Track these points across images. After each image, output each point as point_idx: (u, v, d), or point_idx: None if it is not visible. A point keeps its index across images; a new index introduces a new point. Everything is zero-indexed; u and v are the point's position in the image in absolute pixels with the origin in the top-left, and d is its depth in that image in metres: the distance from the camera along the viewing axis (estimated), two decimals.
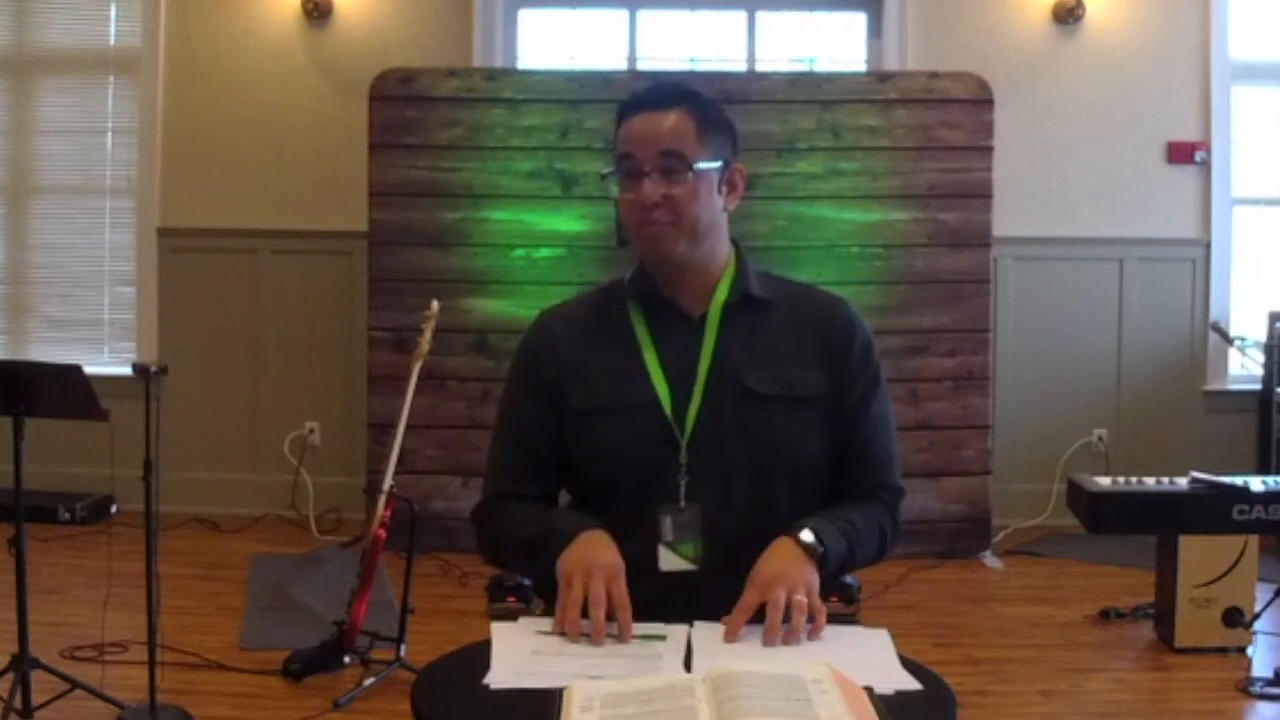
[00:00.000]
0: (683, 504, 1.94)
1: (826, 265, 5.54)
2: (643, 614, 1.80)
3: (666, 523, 1.95)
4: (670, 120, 1.96)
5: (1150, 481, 3.64)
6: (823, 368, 1.99)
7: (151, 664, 3.39)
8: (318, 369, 6.08)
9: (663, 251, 1.97)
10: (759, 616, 1.80)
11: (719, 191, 2.00)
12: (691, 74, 5.93)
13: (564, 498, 2.14)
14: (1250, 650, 4.17)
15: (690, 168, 1.94)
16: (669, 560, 1.95)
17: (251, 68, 6.06)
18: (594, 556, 1.83)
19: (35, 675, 3.38)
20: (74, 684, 3.47)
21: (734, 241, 2.08)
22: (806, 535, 1.88)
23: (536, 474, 2.06)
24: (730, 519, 1.95)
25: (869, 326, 2.07)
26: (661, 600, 1.88)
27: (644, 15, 6.25)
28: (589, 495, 2.04)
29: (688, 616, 1.84)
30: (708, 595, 1.88)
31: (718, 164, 1.99)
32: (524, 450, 2.06)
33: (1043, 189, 5.99)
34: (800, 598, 1.77)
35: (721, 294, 2.01)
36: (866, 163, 5.57)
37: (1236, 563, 4.11)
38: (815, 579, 1.85)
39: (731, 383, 1.96)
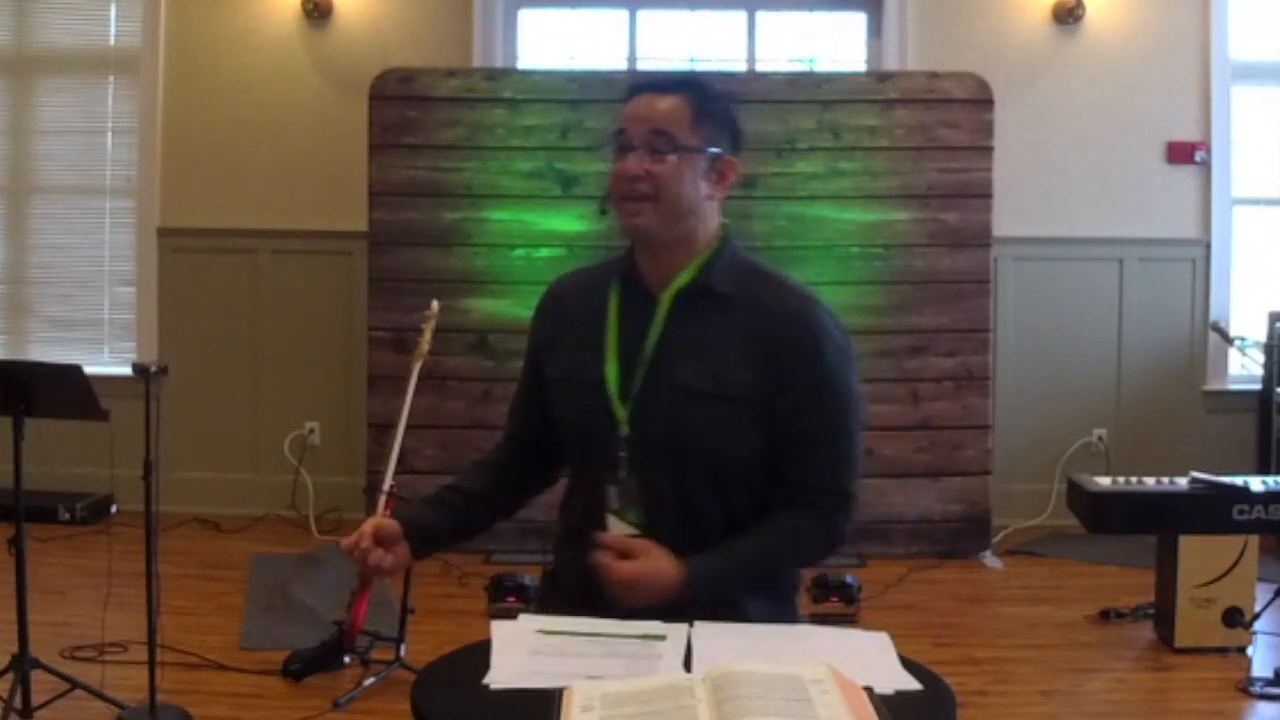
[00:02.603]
0: (624, 475, 2.02)
1: (826, 265, 5.54)
2: (595, 576, 1.93)
3: (612, 492, 2.03)
4: (667, 103, 2.01)
5: (1150, 481, 3.65)
6: (762, 368, 1.98)
7: (151, 664, 3.39)
8: (318, 369, 6.08)
9: (638, 225, 2.02)
10: (760, 617, 1.80)
11: (705, 178, 2.03)
12: (692, 74, 5.93)
13: None
14: (1250, 650, 4.17)
15: (675, 147, 1.99)
16: (616, 526, 2.02)
17: (251, 68, 6.06)
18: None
19: (35, 675, 3.38)
20: (74, 684, 3.47)
21: (724, 231, 2.09)
22: (688, 574, 1.92)
23: (525, 421, 2.21)
24: (660, 501, 2.02)
25: (839, 332, 2.04)
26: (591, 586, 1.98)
27: (644, 15, 6.25)
28: (564, 456, 2.18)
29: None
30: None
31: (707, 150, 2.02)
32: (519, 399, 2.24)
33: (1043, 189, 5.99)
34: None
35: (681, 279, 2.04)
36: (866, 163, 5.57)
37: (1236, 563, 4.11)
38: (664, 597, 1.91)
39: (667, 372, 2.01)
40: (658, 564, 1.92)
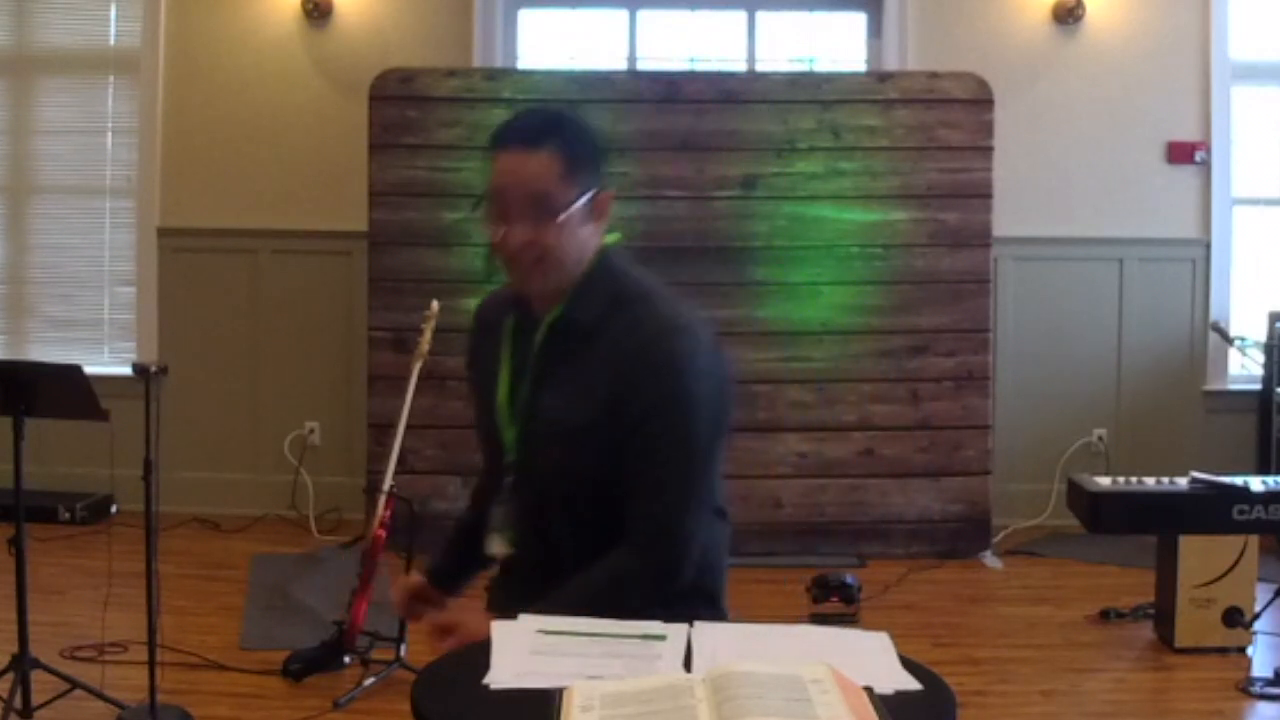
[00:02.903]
0: (505, 497, 2.09)
1: (826, 265, 5.54)
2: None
3: (496, 512, 2.10)
4: (538, 161, 1.94)
5: (1150, 481, 3.64)
6: (606, 402, 1.95)
7: (151, 664, 3.39)
8: (318, 369, 6.08)
9: (531, 289, 2.04)
10: (759, 617, 1.81)
11: (586, 222, 1.99)
12: (691, 74, 5.93)
13: None
14: (1250, 650, 4.17)
15: (555, 215, 1.94)
16: (495, 545, 2.12)
17: (251, 68, 6.06)
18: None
19: (35, 675, 3.38)
20: (74, 684, 3.48)
21: (601, 256, 2.03)
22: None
23: (483, 438, 2.20)
24: (525, 527, 2.09)
25: (691, 362, 1.95)
26: (499, 581, 2.16)
27: (644, 15, 6.25)
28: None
29: (507, 596, 2.06)
30: (519, 583, 2.08)
31: (585, 199, 1.97)
32: (475, 418, 2.23)
33: (1043, 189, 5.99)
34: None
35: (554, 311, 2.03)
36: (866, 163, 5.57)
37: (1236, 563, 4.11)
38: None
39: (537, 404, 2.03)
40: (472, 629, 1.89)
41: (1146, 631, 4.41)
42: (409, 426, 4.20)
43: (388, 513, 4.01)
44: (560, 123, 2.00)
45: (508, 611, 1.89)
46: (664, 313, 1.99)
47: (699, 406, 1.97)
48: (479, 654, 1.72)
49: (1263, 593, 4.20)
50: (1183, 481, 3.63)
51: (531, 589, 1.98)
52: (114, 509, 5.83)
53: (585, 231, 1.99)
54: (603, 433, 1.95)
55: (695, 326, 2.00)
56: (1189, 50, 5.99)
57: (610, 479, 1.97)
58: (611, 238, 2.08)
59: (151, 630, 3.40)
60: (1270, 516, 3.53)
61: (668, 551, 1.98)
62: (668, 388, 1.94)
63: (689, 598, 2.03)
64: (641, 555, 1.97)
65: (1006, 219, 5.73)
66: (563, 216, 1.94)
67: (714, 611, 2.10)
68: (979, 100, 5.59)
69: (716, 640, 1.78)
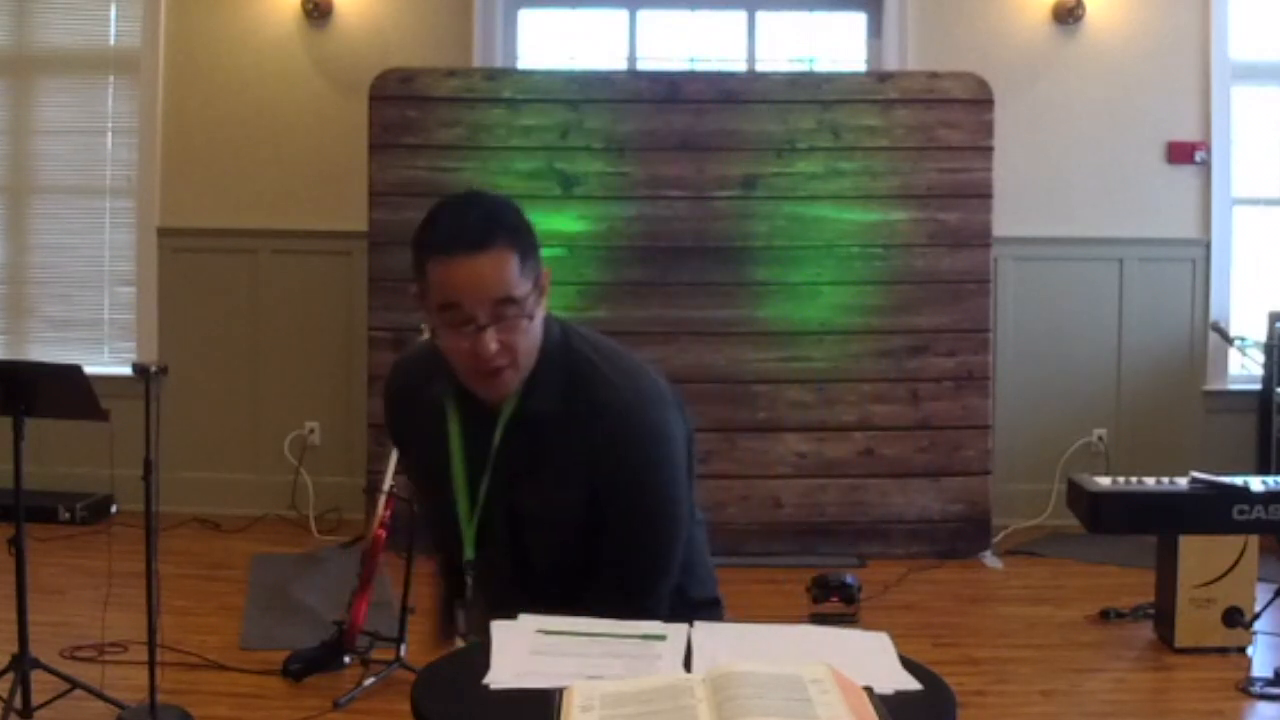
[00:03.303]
0: (469, 598, 2.00)
1: (826, 265, 5.54)
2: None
3: (460, 615, 2.03)
4: (495, 263, 1.84)
5: (1150, 481, 3.64)
6: (584, 487, 1.92)
7: (151, 664, 3.39)
8: (318, 369, 6.08)
9: (499, 395, 1.92)
10: (759, 617, 1.80)
11: (538, 307, 1.91)
12: (691, 74, 5.93)
13: None
14: (1250, 650, 4.17)
15: (526, 314, 1.86)
16: (461, 645, 2.04)
17: (251, 68, 6.06)
18: None
19: (35, 675, 3.38)
20: (74, 684, 3.47)
21: (548, 339, 1.95)
22: None
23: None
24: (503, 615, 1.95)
25: (657, 431, 1.94)
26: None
27: (644, 15, 6.25)
28: None
29: None
30: None
31: (538, 288, 1.90)
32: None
33: (1043, 189, 5.98)
34: None
35: (508, 406, 1.93)
36: (866, 163, 5.57)
37: (1236, 563, 4.11)
38: None
39: (504, 498, 1.97)
40: None
41: (1146, 631, 4.41)
42: None
43: (388, 513, 4.01)
44: (499, 214, 1.89)
45: None
46: (621, 385, 1.94)
47: (675, 472, 1.97)
48: (479, 654, 1.72)
49: (1263, 593, 4.20)
50: (1183, 481, 3.63)
51: None
52: (114, 509, 5.83)
53: (539, 320, 1.92)
54: (584, 520, 1.93)
55: (653, 388, 1.97)
56: (1189, 50, 5.99)
57: (589, 556, 1.94)
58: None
59: (151, 630, 3.40)
60: (1270, 516, 3.53)
61: (642, 614, 1.92)
62: (644, 467, 1.92)
63: (692, 609, 2.01)
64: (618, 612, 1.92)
65: (1006, 219, 5.72)
66: (531, 312, 1.87)
67: (713, 612, 2.10)
68: (979, 100, 5.59)
69: (716, 640, 1.78)
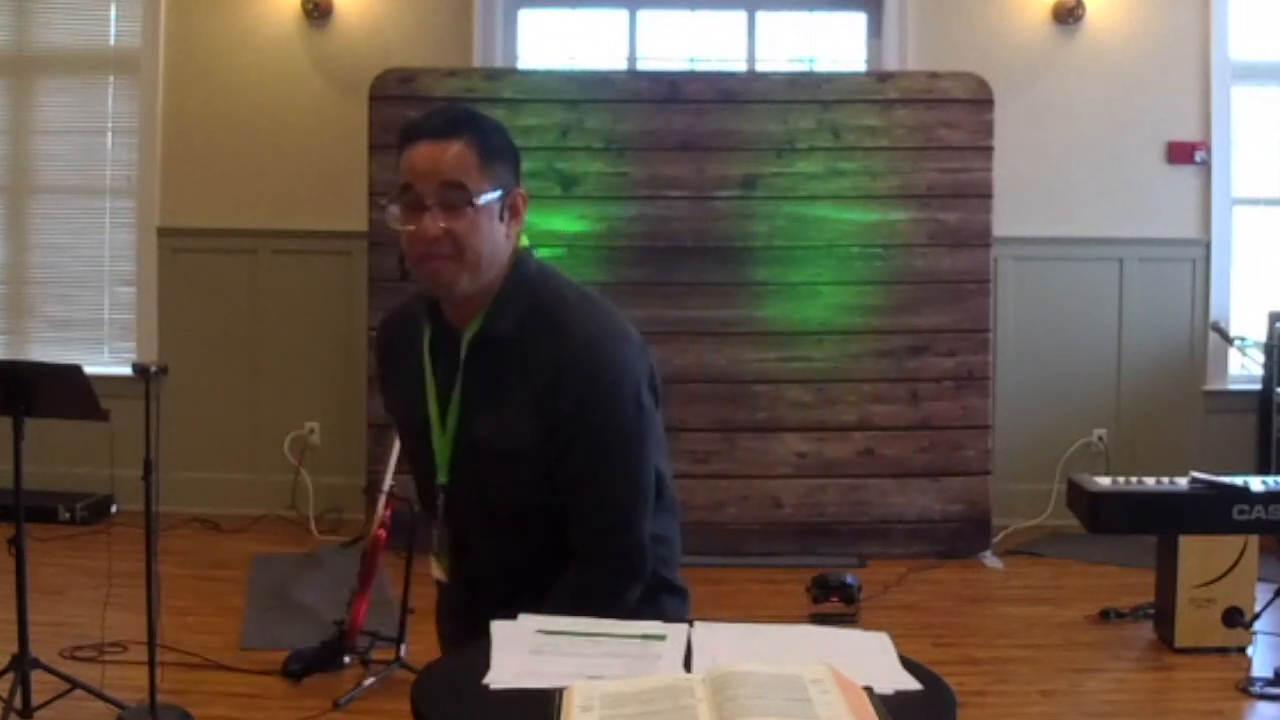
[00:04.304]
0: (440, 520, 2.03)
1: (826, 265, 5.54)
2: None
3: (434, 534, 2.05)
4: (452, 150, 1.89)
5: (1150, 481, 3.64)
6: (540, 417, 1.90)
7: (151, 664, 3.39)
8: (318, 369, 6.08)
9: (444, 285, 1.92)
10: (759, 617, 1.80)
11: (500, 219, 1.92)
12: (691, 74, 5.93)
13: None
14: (1250, 650, 4.18)
15: (471, 201, 1.88)
16: (435, 569, 2.09)
17: (251, 68, 6.06)
18: None
19: (35, 675, 3.38)
20: (74, 684, 3.48)
21: (515, 264, 1.97)
22: None
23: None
24: (466, 549, 2.02)
25: (620, 369, 1.92)
26: (441, 609, 2.13)
27: (644, 15, 6.25)
28: None
29: (451, 623, 2.08)
30: (460, 610, 2.05)
31: (498, 193, 1.92)
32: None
33: (1043, 189, 5.98)
34: None
35: (473, 327, 1.95)
36: (866, 163, 5.57)
37: (1236, 563, 4.11)
38: None
39: (468, 425, 1.96)
40: None
41: (1146, 631, 4.41)
42: None
43: (388, 513, 4.01)
44: (473, 117, 1.95)
45: (456, 642, 1.95)
46: (583, 318, 1.94)
47: (633, 411, 1.93)
48: (479, 654, 1.72)
49: (1263, 593, 4.20)
50: (1183, 481, 3.63)
51: (470, 615, 1.93)
52: (114, 509, 5.83)
53: (500, 231, 1.92)
54: (538, 453, 1.91)
55: (618, 326, 1.97)
56: (1189, 50, 5.99)
57: (545, 499, 1.93)
58: (523, 241, 2.01)
59: (151, 630, 3.40)
60: (1270, 516, 3.52)
61: (627, 559, 1.95)
62: (601, 399, 1.90)
63: (651, 591, 2.01)
64: (602, 567, 1.94)
65: (1006, 219, 5.72)
66: (479, 201, 1.88)
67: (677, 597, 2.09)
68: (979, 100, 5.59)
69: (717, 640, 1.78)
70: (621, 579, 1.96)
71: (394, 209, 1.93)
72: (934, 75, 5.66)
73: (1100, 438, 6.02)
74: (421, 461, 2.05)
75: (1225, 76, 5.99)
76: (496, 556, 2.01)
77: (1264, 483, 3.58)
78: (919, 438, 5.52)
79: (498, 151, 1.93)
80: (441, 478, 2.00)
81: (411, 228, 1.90)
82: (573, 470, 1.91)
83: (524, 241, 2.01)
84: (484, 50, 6.04)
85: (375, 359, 2.20)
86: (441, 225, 1.88)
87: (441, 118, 1.93)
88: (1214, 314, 5.96)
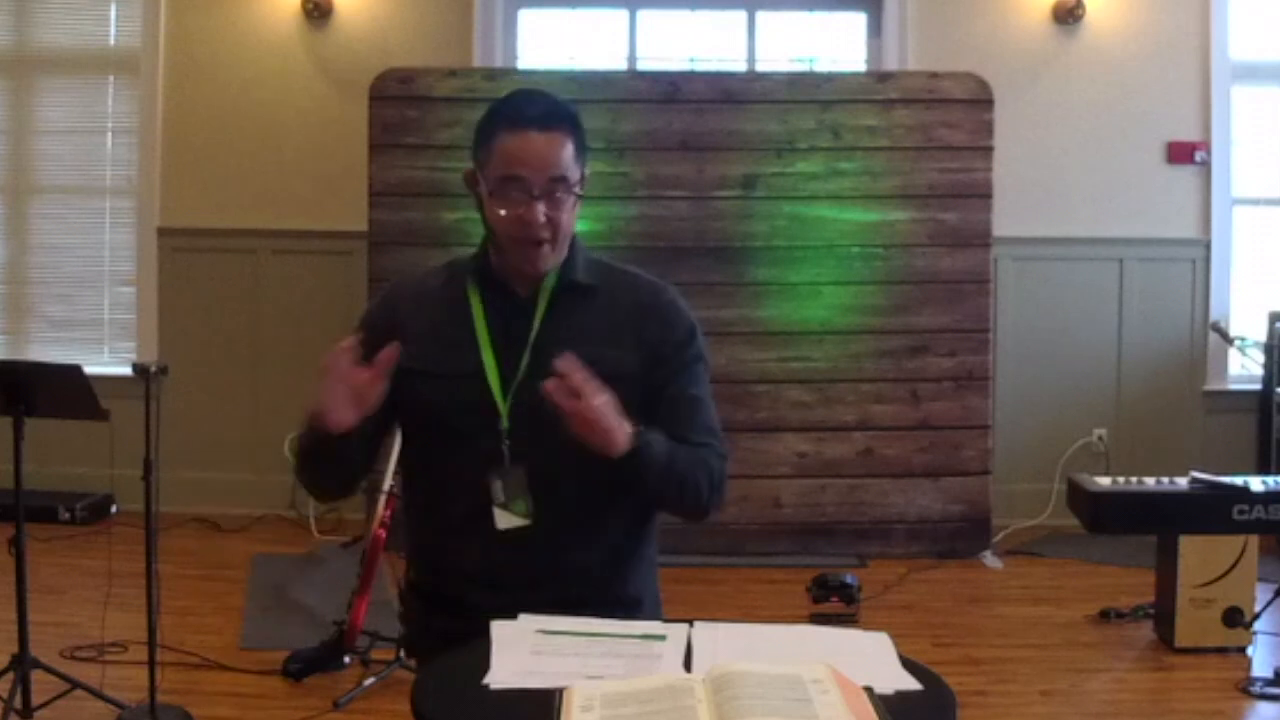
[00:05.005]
0: (508, 465, 2.05)
1: (826, 265, 5.54)
2: (480, 576, 2.05)
3: (497, 485, 2.06)
4: (558, 144, 2.06)
5: (1150, 481, 3.64)
6: (637, 349, 2.11)
7: (151, 664, 3.39)
8: (318, 369, 6.06)
9: (535, 264, 2.09)
10: (759, 617, 1.81)
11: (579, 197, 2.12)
12: (691, 74, 5.93)
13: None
14: (1250, 650, 4.17)
15: (573, 191, 2.08)
16: (504, 519, 2.06)
17: (251, 68, 6.06)
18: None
19: (35, 675, 3.38)
20: (74, 684, 3.47)
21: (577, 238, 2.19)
22: (640, 433, 1.99)
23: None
24: (554, 480, 2.05)
25: (692, 314, 2.20)
26: (500, 562, 2.05)
27: (644, 15, 6.25)
28: (418, 453, 2.19)
29: (527, 573, 2.04)
30: (544, 552, 2.05)
31: (582, 179, 2.11)
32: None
33: (1043, 189, 5.99)
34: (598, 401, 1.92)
35: (551, 278, 2.13)
36: (866, 163, 5.57)
37: (1236, 563, 4.12)
38: (613, 446, 1.95)
39: (548, 361, 2.02)
40: (611, 409, 1.93)
41: (1146, 631, 4.41)
42: None
43: (388, 513, 4.01)
44: (569, 108, 2.11)
45: (530, 593, 1.96)
46: (649, 275, 2.23)
47: (704, 344, 2.20)
48: (479, 654, 1.73)
49: (1263, 593, 4.20)
50: (1183, 481, 3.63)
51: (546, 557, 2.04)
52: (114, 509, 5.83)
53: (577, 210, 2.12)
54: (636, 380, 2.07)
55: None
56: (1189, 50, 5.99)
57: (634, 417, 2.02)
58: None
59: (151, 630, 3.40)
60: (1270, 516, 3.53)
61: (726, 463, 2.14)
62: (690, 335, 2.16)
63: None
64: (717, 465, 2.11)
65: (1006, 219, 5.73)
66: (578, 191, 2.08)
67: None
68: (979, 100, 5.59)
69: (717, 640, 1.78)
70: (721, 462, 2.13)
71: (488, 192, 2.07)
72: (934, 75, 5.65)
73: (1100, 438, 6.02)
74: (463, 414, 2.07)
75: (1225, 76, 5.99)
76: (576, 492, 2.06)
77: (1264, 483, 3.59)
78: (919, 438, 5.52)
79: (582, 139, 2.11)
80: (505, 424, 2.06)
81: (518, 213, 2.05)
82: (678, 392, 2.12)
83: None
84: (484, 50, 6.04)
85: (373, 315, 2.23)
86: (546, 214, 2.05)
87: (541, 107, 2.07)
88: (1214, 314, 5.96)
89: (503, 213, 2.06)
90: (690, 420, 2.12)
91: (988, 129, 5.59)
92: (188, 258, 6.13)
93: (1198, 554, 4.16)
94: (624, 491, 2.07)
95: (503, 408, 2.06)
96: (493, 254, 2.15)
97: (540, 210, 2.04)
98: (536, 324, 2.09)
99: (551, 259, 2.10)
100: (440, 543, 2.14)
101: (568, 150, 2.05)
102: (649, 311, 2.14)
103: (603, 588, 2.08)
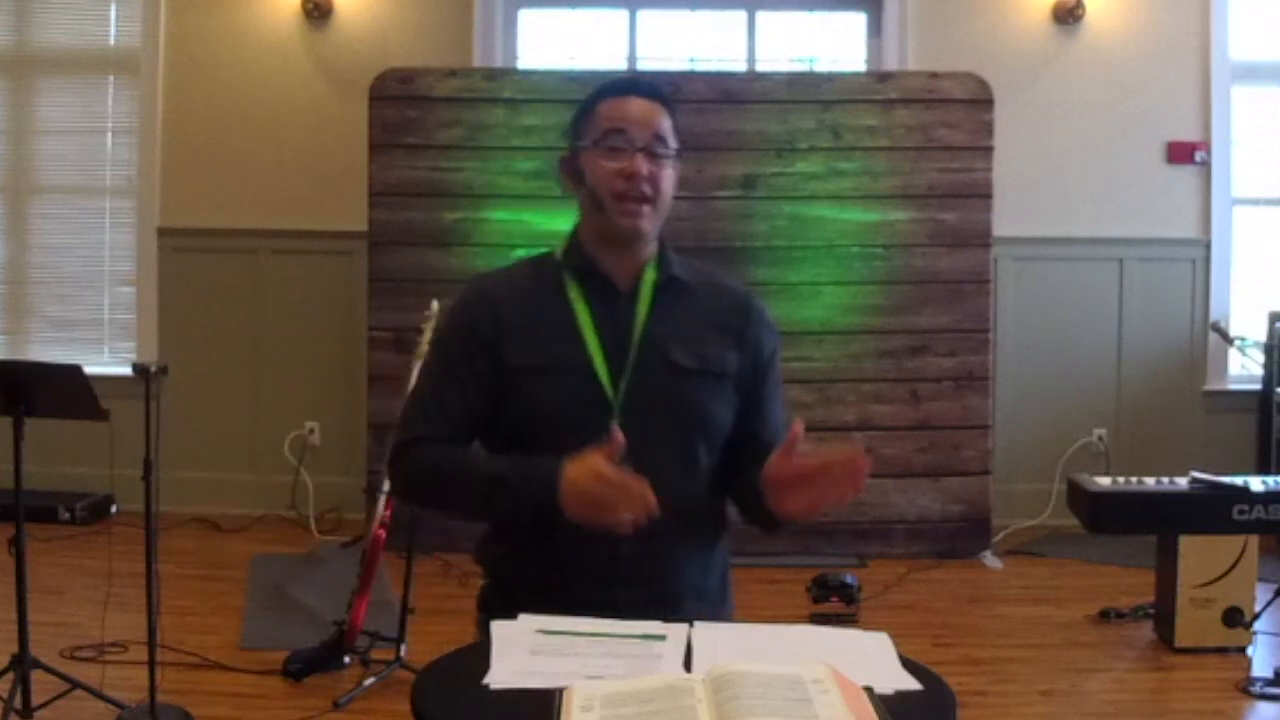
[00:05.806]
0: (619, 460, 1.99)
1: (826, 265, 5.54)
2: (565, 576, 2.03)
3: None
4: (657, 109, 2.15)
5: (1150, 481, 3.65)
6: (736, 348, 2.17)
7: (151, 664, 3.39)
8: (318, 369, 6.08)
9: (637, 224, 2.12)
10: (759, 617, 1.81)
11: (675, 183, 2.19)
12: (691, 74, 5.93)
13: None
14: (1250, 650, 4.17)
15: (672, 152, 2.14)
16: None
17: (251, 67, 6.06)
18: (591, 464, 1.93)
19: (35, 675, 3.38)
20: (74, 684, 3.47)
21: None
22: None
23: (468, 424, 2.14)
24: (655, 480, 1.96)
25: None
26: (605, 556, 2.01)
27: (644, 15, 6.25)
28: (516, 452, 2.09)
29: (614, 572, 2.03)
30: (632, 558, 2.02)
31: (677, 161, 2.17)
32: (462, 399, 2.12)
33: (1043, 189, 5.99)
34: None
35: (651, 273, 2.17)
36: (866, 163, 5.57)
37: (1236, 563, 4.12)
38: None
39: (658, 354, 2.11)
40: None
41: (1146, 631, 4.41)
42: None
43: (388, 513, 4.01)
44: (667, 93, 2.22)
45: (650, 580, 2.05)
46: (722, 273, 2.32)
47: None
48: (479, 654, 1.73)
49: (1263, 593, 4.20)
50: (1183, 481, 3.63)
51: (646, 550, 2.02)
52: (114, 509, 5.83)
53: (673, 190, 2.17)
54: (734, 376, 2.16)
55: None
56: (1189, 50, 5.99)
57: (727, 414, 2.15)
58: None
59: (151, 630, 3.39)
60: (1270, 516, 3.53)
61: None
62: (776, 337, 2.26)
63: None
64: None
65: (1006, 219, 5.73)
66: (675, 159, 2.14)
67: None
68: (979, 100, 5.59)
69: (717, 640, 1.78)
70: None
71: (591, 153, 2.13)
72: (934, 75, 5.65)
73: (1100, 438, 6.03)
74: (574, 406, 2.07)
75: (1225, 76, 5.99)
76: (674, 480, 2.04)
77: (1264, 483, 3.59)
78: (919, 438, 5.52)
79: (677, 126, 2.19)
80: (616, 415, 2.06)
81: (622, 165, 2.10)
82: (765, 389, 2.22)
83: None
84: (484, 50, 6.05)
85: (465, 316, 2.15)
86: (650, 172, 2.10)
87: (645, 83, 2.20)
88: (1214, 314, 5.96)
89: (607, 164, 2.11)
90: (770, 419, 2.21)
91: (988, 129, 5.59)
92: (188, 258, 6.13)
93: (1198, 554, 4.16)
94: (725, 490, 2.16)
95: (614, 402, 2.07)
96: (588, 244, 2.16)
97: (643, 163, 2.10)
98: (642, 318, 2.13)
99: (650, 221, 2.13)
100: (547, 538, 2.05)
101: (667, 120, 2.14)
102: (750, 314, 2.22)
103: (696, 580, 2.13)
